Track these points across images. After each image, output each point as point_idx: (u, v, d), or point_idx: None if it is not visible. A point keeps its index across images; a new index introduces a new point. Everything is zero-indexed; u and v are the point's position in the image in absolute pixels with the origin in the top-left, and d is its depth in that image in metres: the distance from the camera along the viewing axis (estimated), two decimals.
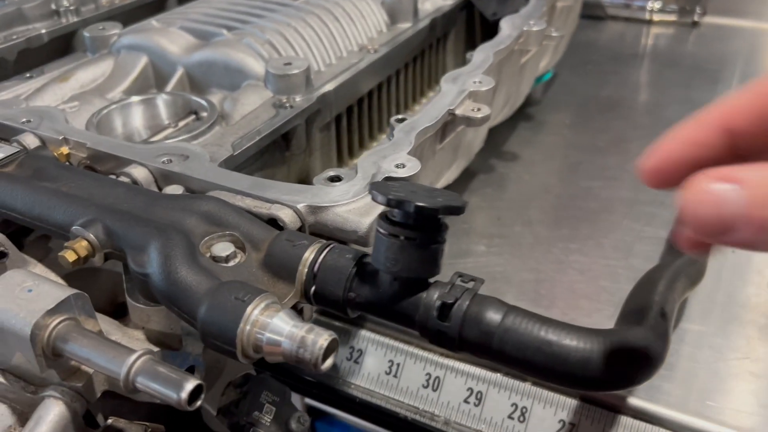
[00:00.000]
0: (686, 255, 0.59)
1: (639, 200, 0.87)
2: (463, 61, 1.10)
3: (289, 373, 0.73)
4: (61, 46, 0.96)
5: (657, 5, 1.47)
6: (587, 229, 0.82)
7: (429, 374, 0.69)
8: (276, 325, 0.42)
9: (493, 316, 0.43)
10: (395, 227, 0.43)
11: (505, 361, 0.42)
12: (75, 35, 0.96)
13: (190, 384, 0.40)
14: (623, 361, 0.41)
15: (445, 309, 0.43)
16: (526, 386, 0.65)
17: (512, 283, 0.75)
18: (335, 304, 0.47)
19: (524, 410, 0.64)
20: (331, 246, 0.48)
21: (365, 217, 0.52)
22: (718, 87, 1.25)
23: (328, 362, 0.42)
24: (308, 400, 0.79)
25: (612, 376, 0.40)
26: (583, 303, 0.73)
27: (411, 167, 0.57)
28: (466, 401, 0.67)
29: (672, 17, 1.47)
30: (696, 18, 1.45)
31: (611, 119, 1.09)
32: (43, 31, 0.92)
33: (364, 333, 0.73)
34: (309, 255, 0.47)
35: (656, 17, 1.48)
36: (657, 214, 0.85)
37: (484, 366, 0.67)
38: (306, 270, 0.47)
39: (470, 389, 0.67)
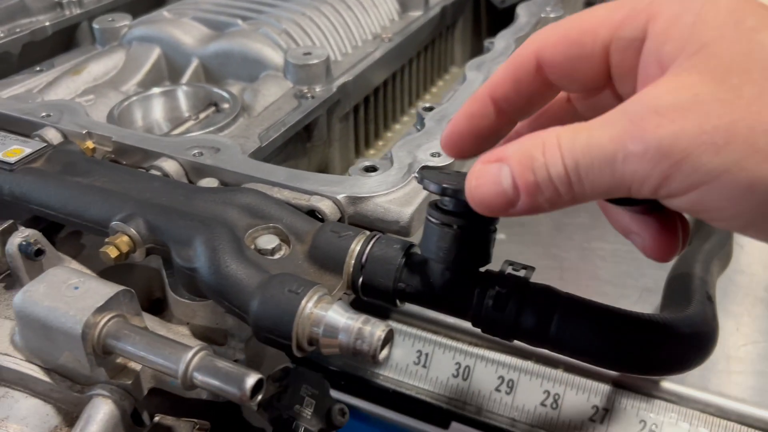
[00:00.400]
0: (714, 237, 0.59)
1: None
2: (471, 49, 1.10)
3: (313, 364, 0.73)
4: (65, 39, 0.94)
5: None
6: None
7: (459, 363, 0.69)
8: (332, 318, 0.41)
9: (549, 304, 0.42)
10: (448, 216, 0.43)
11: (563, 348, 0.42)
12: (78, 28, 0.95)
13: (252, 378, 0.39)
14: (684, 345, 0.41)
15: (501, 299, 0.43)
16: (558, 373, 0.66)
17: (536, 271, 0.75)
18: (384, 295, 0.46)
19: (557, 397, 0.65)
20: (378, 236, 0.47)
21: (407, 207, 0.52)
22: None
23: (385, 352, 0.42)
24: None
25: (674, 360, 0.41)
26: (608, 289, 0.73)
27: (446, 156, 0.56)
28: (497, 390, 0.67)
29: None
30: None
31: None
32: (47, 23, 0.90)
33: (391, 323, 0.72)
34: (356, 246, 0.47)
35: None
36: None
37: (514, 354, 0.67)
38: (354, 261, 0.46)
39: (501, 377, 0.67)
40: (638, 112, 0.30)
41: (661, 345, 0.41)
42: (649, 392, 0.63)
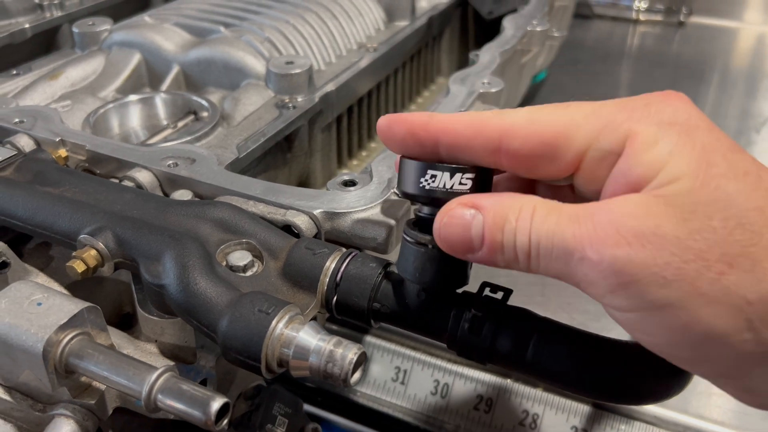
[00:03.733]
0: None
1: None
2: (457, 60, 1.09)
3: (289, 380, 0.72)
4: (45, 42, 0.92)
5: (643, 5, 1.48)
6: None
7: (437, 381, 0.68)
8: (303, 339, 0.40)
9: (526, 329, 0.41)
10: (425, 235, 0.41)
11: (539, 374, 0.41)
12: (59, 30, 0.93)
13: (217, 402, 0.38)
14: (662, 375, 0.40)
15: (476, 322, 0.42)
16: (538, 392, 0.65)
17: (518, 287, 0.74)
18: (359, 315, 0.45)
19: (536, 417, 0.64)
20: (354, 254, 0.46)
21: (384, 224, 0.51)
22: (701, 86, 1.26)
23: (356, 376, 0.41)
24: (307, 406, 0.77)
25: (651, 391, 0.40)
26: (589, 307, 0.72)
27: None
28: (476, 408, 0.66)
29: (658, 17, 1.49)
30: (682, 18, 1.47)
31: None
32: (27, 25, 0.88)
33: (369, 339, 0.71)
34: (331, 263, 0.45)
35: (643, 17, 1.49)
36: None
37: (494, 372, 0.66)
38: (328, 279, 0.45)
39: (480, 396, 0.66)
40: (603, 224, 0.32)
41: (639, 374, 0.40)
42: (629, 414, 0.62)
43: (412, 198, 0.41)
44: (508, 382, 0.65)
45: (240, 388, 0.55)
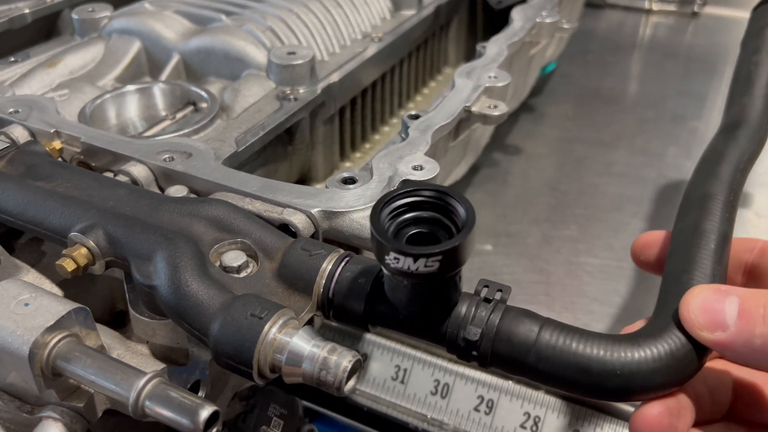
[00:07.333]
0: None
1: (647, 198, 0.86)
2: (465, 50, 1.07)
3: None
4: (46, 28, 0.91)
5: None
6: (596, 229, 0.80)
7: (438, 381, 0.66)
8: (296, 345, 0.39)
9: (528, 330, 0.40)
10: (396, 276, 0.39)
11: (542, 378, 0.40)
12: (60, 16, 0.91)
13: (206, 411, 0.37)
14: (668, 371, 0.38)
15: (476, 326, 0.41)
16: (539, 395, 0.63)
17: (521, 285, 0.73)
18: (355, 319, 0.44)
19: (537, 420, 0.63)
20: (352, 256, 0.45)
21: None
22: (713, 79, 1.24)
23: (351, 384, 0.40)
24: (305, 402, 0.76)
25: (655, 388, 0.38)
26: (594, 307, 0.71)
27: (429, 169, 0.54)
28: (476, 409, 0.65)
29: (671, 7, 1.45)
30: (696, 8, 1.43)
31: (615, 112, 1.07)
32: (27, 11, 0.86)
33: (369, 337, 0.70)
34: (327, 265, 0.44)
35: (656, 6, 1.46)
36: (667, 213, 0.83)
37: (495, 373, 0.65)
38: (324, 282, 0.44)
39: (481, 397, 0.65)
40: None
41: (645, 372, 0.39)
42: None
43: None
44: (510, 384, 0.64)
45: (235, 389, 0.54)
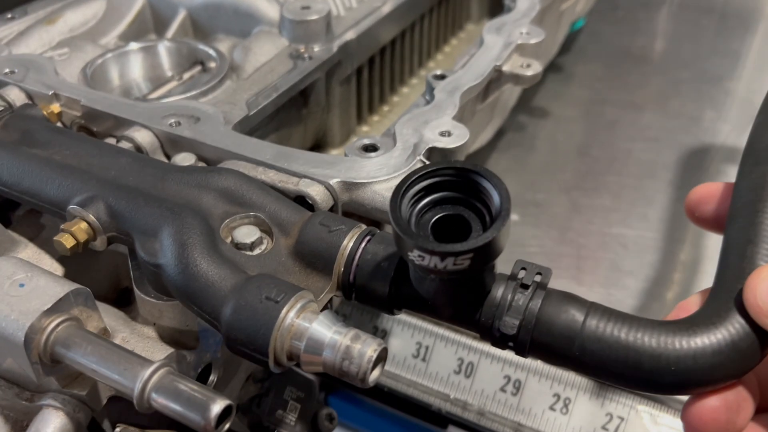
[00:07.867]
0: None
1: (683, 165, 0.81)
2: (488, 6, 1.01)
3: None
4: None
5: None
6: (630, 197, 0.76)
7: (461, 359, 0.63)
8: (316, 332, 0.35)
9: (572, 319, 0.36)
10: (425, 271, 0.35)
11: (587, 371, 0.36)
12: None
13: (218, 406, 0.33)
14: (729, 364, 0.34)
15: (513, 313, 0.37)
16: (570, 375, 0.60)
17: (551, 258, 0.69)
18: (379, 301, 0.40)
19: (567, 401, 0.59)
20: (374, 233, 0.41)
21: None
22: (747, 36, 1.17)
23: (375, 374, 0.36)
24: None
25: (713, 382, 0.34)
26: (629, 282, 0.67)
27: (458, 135, 0.49)
28: (502, 390, 0.61)
29: None
30: None
31: (647, 72, 1.01)
32: None
33: None
34: (348, 242, 0.40)
35: None
36: (703, 181, 0.78)
37: None
38: (345, 260, 0.40)
39: (507, 377, 0.61)
40: None
41: (702, 364, 0.35)
42: (666, 402, 0.58)
43: None
44: (539, 363, 0.60)
45: (249, 370, 0.51)
